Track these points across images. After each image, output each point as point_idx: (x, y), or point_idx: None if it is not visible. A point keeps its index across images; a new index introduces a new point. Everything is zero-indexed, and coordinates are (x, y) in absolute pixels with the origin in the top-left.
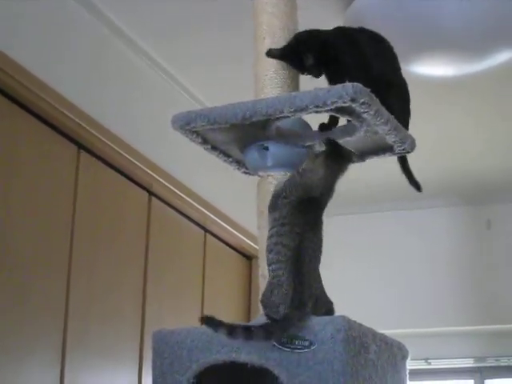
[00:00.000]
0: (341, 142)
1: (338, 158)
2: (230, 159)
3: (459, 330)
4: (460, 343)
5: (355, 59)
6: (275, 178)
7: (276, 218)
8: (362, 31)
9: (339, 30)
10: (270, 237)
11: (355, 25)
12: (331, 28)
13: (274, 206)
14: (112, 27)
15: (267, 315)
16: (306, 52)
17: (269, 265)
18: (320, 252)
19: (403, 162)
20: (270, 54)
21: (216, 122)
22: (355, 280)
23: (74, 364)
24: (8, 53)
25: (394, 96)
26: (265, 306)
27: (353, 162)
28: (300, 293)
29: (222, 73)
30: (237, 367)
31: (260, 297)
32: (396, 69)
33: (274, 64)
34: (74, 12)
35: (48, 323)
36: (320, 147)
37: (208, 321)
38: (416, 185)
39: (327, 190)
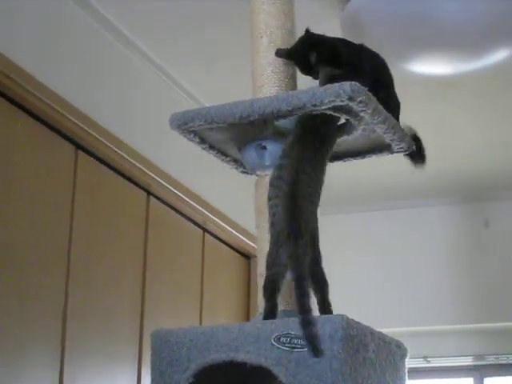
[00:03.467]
0: (339, 141)
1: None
2: (228, 158)
3: (458, 328)
4: (459, 341)
5: (354, 69)
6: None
7: (283, 148)
8: (363, 47)
9: (346, 41)
10: (272, 171)
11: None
12: (330, 26)
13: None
14: (110, 28)
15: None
16: (312, 50)
17: (268, 200)
18: (317, 190)
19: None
20: (278, 53)
21: (214, 121)
22: (354, 278)
23: (73, 364)
24: (5, 53)
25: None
26: (267, 264)
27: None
28: (296, 226)
29: (220, 72)
30: (235, 366)
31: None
32: (390, 85)
33: (271, 63)
34: (72, 12)
35: (47, 323)
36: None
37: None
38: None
39: (327, 131)
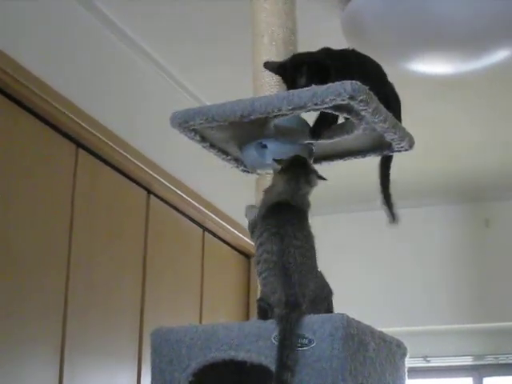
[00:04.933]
0: (339, 139)
1: (294, 174)
2: (229, 157)
3: (458, 328)
4: (459, 341)
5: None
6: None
7: (256, 235)
8: (350, 53)
9: (330, 51)
10: (255, 252)
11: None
12: (331, 26)
13: (252, 232)
14: (112, 27)
15: (261, 309)
16: (299, 75)
17: (259, 275)
18: (309, 250)
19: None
20: (267, 66)
21: (214, 119)
22: (354, 278)
23: (73, 362)
24: (7, 52)
25: None
26: (260, 310)
27: (311, 182)
28: (293, 294)
29: (221, 71)
30: (235, 365)
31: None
32: (383, 84)
33: None
34: (74, 11)
35: (47, 323)
36: (316, 145)
37: None
38: (392, 212)
39: (295, 198)
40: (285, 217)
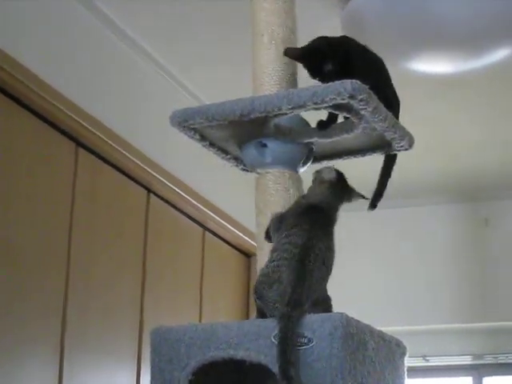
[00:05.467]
0: (339, 139)
1: (342, 188)
2: (228, 156)
3: (457, 328)
4: (458, 340)
5: (368, 78)
6: (274, 175)
7: (284, 228)
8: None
9: (361, 47)
10: (276, 243)
11: (353, 22)
12: (331, 25)
13: (276, 227)
14: (112, 26)
15: (259, 309)
16: (328, 58)
17: (270, 261)
18: (328, 257)
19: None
20: (288, 53)
21: (214, 118)
22: (353, 277)
23: (73, 361)
24: (7, 51)
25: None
26: (259, 297)
27: (352, 199)
28: (299, 293)
29: (221, 71)
30: (235, 364)
31: (255, 284)
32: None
33: (272, 61)
34: (74, 10)
35: (46, 322)
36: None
37: None
38: (375, 200)
39: (332, 209)
40: (319, 220)
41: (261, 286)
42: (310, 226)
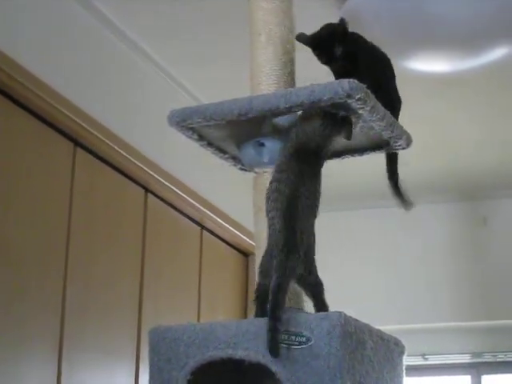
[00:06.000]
0: (337, 138)
1: (335, 120)
2: (226, 156)
3: (456, 326)
4: (457, 339)
5: (373, 75)
6: (271, 175)
7: (277, 163)
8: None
9: (369, 44)
10: (270, 182)
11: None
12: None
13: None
14: (110, 26)
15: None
16: (339, 43)
17: (267, 213)
18: (315, 203)
19: (392, 165)
20: (300, 38)
21: (212, 118)
22: (352, 276)
23: (71, 360)
24: (5, 51)
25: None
26: (260, 272)
27: (349, 127)
28: (292, 237)
29: (219, 70)
30: (234, 363)
31: (259, 262)
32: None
33: (270, 60)
34: (72, 10)
35: (45, 321)
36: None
37: None
38: (403, 199)
39: (322, 144)
40: (305, 163)
41: (263, 258)
42: (296, 175)
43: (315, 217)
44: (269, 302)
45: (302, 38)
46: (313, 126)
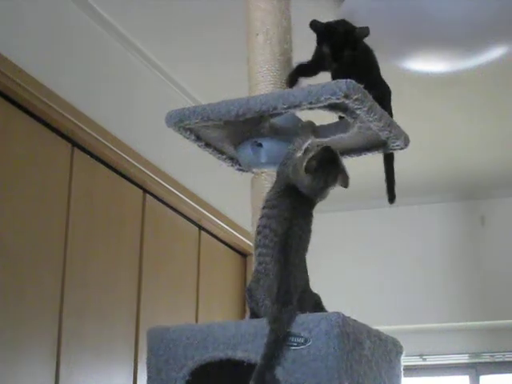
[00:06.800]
0: (335, 138)
1: (323, 173)
2: (224, 156)
3: (454, 326)
4: (455, 339)
5: (369, 75)
6: (269, 175)
7: (267, 198)
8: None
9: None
10: (260, 217)
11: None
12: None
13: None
14: (107, 26)
15: (251, 309)
16: (348, 46)
17: (255, 248)
18: (307, 242)
19: (389, 164)
20: (313, 25)
21: (210, 119)
22: (350, 276)
23: (70, 361)
24: (3, 52)
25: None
26: (250, 297)
27: (344, 175)
28: (286, 283)
29: (216, 71)
30: (232, 364)
31: (247, 286)
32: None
33: (267, 61)
34: (69, 11)
35: (43, 321)
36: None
37: None
38: (391, 194)
39: (316, 194)
40: (299, 205)
41: (251, 283)
42: (290, 213)
43: (306, 252)
44: (264, 353)
45: (315, 26)
46: (304, 179)
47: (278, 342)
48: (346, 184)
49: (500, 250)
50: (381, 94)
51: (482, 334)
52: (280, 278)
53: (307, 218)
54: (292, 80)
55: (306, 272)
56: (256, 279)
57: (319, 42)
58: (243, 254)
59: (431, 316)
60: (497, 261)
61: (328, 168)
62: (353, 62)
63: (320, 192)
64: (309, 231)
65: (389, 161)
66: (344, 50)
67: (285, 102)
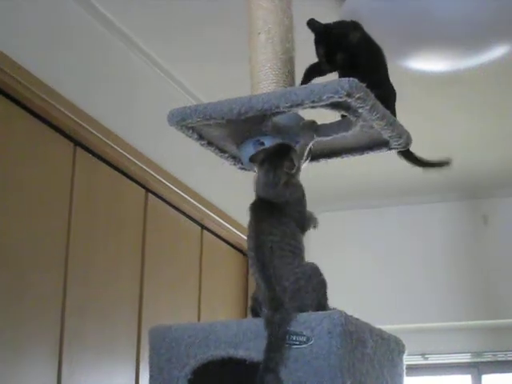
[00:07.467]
0: (338, 136)
1: (271, 166)
2: (226, 155)
3: (456, 325)
4: (457, 338)
5: (373, 74)
6: None
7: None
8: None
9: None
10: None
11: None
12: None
13: None
14: (108, 25)
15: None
16: (340, 51)
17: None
18: (286, 244)
19: (408, 156)
20: (311, 24)
21: (212, 117)
22: (352, 275)
23: (72, 360)
24: (4, 50)
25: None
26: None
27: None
28: (270, 291)
29: (218, 69)
30: (234, 363)
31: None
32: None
33: (269, 60)
34: (70, 10)
35: (45, 320)
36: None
37: None
38: (440, 164)
39: (276, 192)
40: (262, 214)
41: (255, 298)
42: (254, 226)
43: (296, 256)
44: (263, 358)
45: (313, 25)
46: (260, 177)
47: (274, 345)
48: (290, 169)
49: (502, 249)
50: (385, 94)
51: (484, 333)
52: (264, 288)
53: (277, 223)
54: (305, 82)
55: (297, 268)
56: (256, 293)
57: (316, 42)
58: (245, 253)
59: (433, 315)
60: (499, 260)
61: (275, 161)
62: (352, 62)
63: (280, 191)
64: (285, 232)
65: (408, 154)
66: (337, 54)
67: (287, 101)
